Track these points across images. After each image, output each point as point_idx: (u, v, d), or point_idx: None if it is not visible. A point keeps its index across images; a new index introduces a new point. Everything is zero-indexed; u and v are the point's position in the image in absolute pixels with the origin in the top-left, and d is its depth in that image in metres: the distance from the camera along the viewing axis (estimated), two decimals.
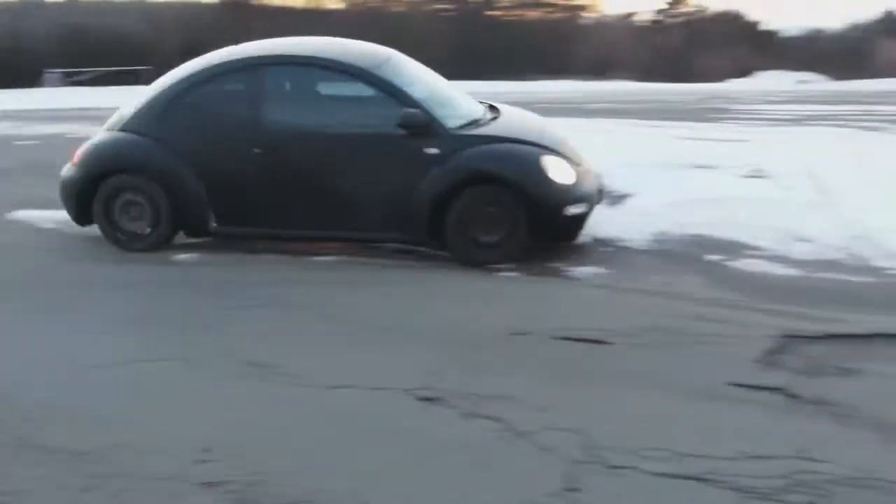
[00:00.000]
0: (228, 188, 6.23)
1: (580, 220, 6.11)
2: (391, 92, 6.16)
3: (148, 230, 6.37)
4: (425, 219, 5.98)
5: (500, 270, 5.80)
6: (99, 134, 6.66)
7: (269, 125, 6.22)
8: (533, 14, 73.93)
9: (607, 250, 6.31)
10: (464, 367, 4.13)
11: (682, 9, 73.49)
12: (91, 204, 6.40)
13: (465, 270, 5.84)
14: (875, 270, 5.85)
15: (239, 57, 6.55)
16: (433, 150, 5.98)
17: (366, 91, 6.23)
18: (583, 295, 5.32)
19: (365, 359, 4.28)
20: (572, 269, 5.81)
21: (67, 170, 6.61)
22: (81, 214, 6.52)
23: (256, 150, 6.16)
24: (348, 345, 4.50)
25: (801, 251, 6.23)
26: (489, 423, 3.51)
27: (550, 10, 74.53)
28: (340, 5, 60.67)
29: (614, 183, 8.47)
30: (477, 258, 5.94)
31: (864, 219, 6.93)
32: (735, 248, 6.32)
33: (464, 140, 6.09)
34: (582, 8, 75.21)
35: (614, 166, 9.17)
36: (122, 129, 6.48)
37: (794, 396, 3.81)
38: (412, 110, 6.01)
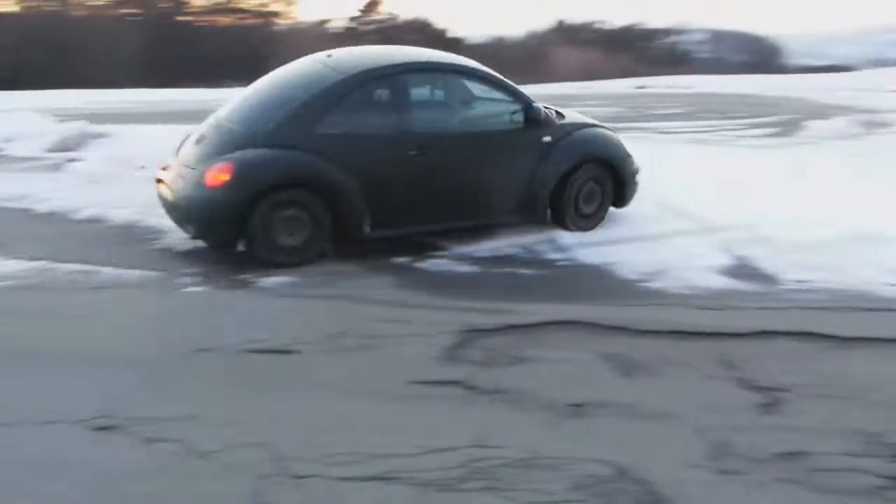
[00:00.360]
0: (384, 192, 6.29)
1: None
2: (512, 92, 6.93)
3: (304, 243, 6.11)
4: (547, 199, 6.87)
5: (186, 286, 5.60)
6: (237, 153, 6.09)
7: (419, 128, 6.49)
8: (225, 20, 72.33)
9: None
10: (145, 390, 3.94)
11: (375, 16, 75.37)
12: (245, 223, 5.95)
13: (146, 289, 5.58)
14: (547, 263, 6.29)
15: (382, 65, 6.66)
16: (548, 139, 6.87)
17: (493, 93, 6.93)
18: (271, 305, 5.26)
19: (33, 390, 3.95)
20: (261, 279, 5.73)
21: (209, 191, 5.99)
22: (232, 235, 6.05)
23: (412, 153, 6.35)
24: (11, 378, 4.13)
25: (483, 249, 6.57)
26: (170, 446, 3.37)
27: (243, 16, 73.50)
28: (12, 8, 56.07)
29: None
30: (582, 227, 7.00)
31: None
32: (422, 249, 6.53)
33: (565, 128, 7.07)
34: (275, 14, 74.85)
35: None
36: (268, 145, 6.11)
37: (472, 388, 4.01)
38: (535, 105, 6.83)
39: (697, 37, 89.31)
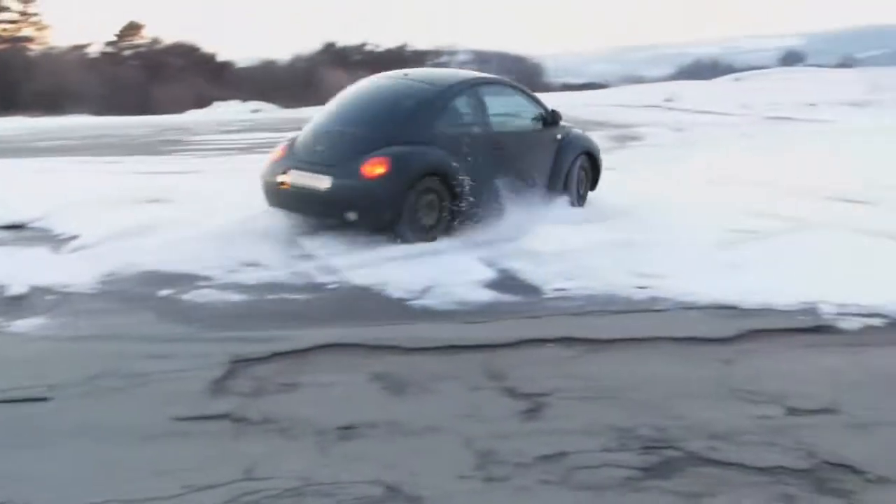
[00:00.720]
0: (476, 178, 7.72)
1: None
2: (537, 101, 9.09)
3: (436, 222, 7.56)
4: (562, 178, 8.89)
5: None
6: (388, 149, 7.40)
7: (495, 127, 8.36)
8: None
9: (50, 298, 5.90)
10: None
11: (137, 41, 72.53)
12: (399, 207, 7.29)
13: None
14: (318, 287, 6.25)
15: (463, 79, 8.59)
16: (559, 136, 9.04)
17: (527, 101, 9.00)
18: (22, 350, 4.90)
19: None
20: (8, 323, 5.34)
21: (368, 182, 7.24)
22: (390, 217, 7.29)
23: (496, 149, 8.16)
24: None
25: (250, 277, 6.44)
26: None
27: None
28: None
29: (58, 225, 8.05)
30: (580, 202, 9.23)
31: (305, 240, 7.40)
32: (186, 281, 6.32)
33: (565, 129, 9.22)
34: (28, 40, 70.47)
35: (60, 207, 8.72)
36: (400, 143, 7.51)
37: (241, 420, 3.90)
38: (552, 110, 9.07)
39: (463, 58, 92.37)
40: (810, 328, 5.29)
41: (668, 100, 37.42)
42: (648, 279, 6.21)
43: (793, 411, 3.97)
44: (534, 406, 4.05)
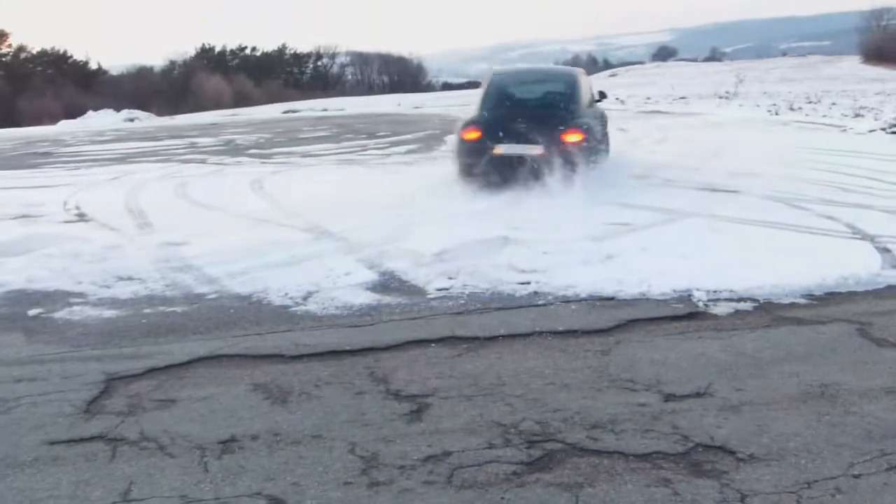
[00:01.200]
0: (601, 140, 11.11)
1: None
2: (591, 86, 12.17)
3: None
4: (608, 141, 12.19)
5: None
6: (576, 121, 10.41)
7: (598, 105, 12.46)
8: None
9: None
10: None
11: (3, 48, 69.50)
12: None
13: None
14: (197, 297, 6.11)
15: (574, 69, 12.74)
16: (601, 111, 12.36)
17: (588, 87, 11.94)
18: None
19: None
20: None
21: (570, 147, 9.80)
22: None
23: (601, 119, 12.34)
24: None
25: (125, 291, 6.25)
26: None
27: None
28: None
29: None
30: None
31: (182, 250, 7.24)
32: (58, 298, 6.11)
33: (598, 107, 12.40)
34: None
35: None
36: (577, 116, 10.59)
37: (116, 440, 3.78)
38: (600, 91, 12.88)
39: (343, 60, 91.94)
40: (684, 315, 5.45)
41: None
42: (529, 275, 6.30)
43: (668, 397, 4.09)
44: (417, 407, 4.05)
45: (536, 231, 7.60)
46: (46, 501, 3.25)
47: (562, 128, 9.95)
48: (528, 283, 6.16)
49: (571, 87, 11.02)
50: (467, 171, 10.21)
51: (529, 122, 9.95)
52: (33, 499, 3.28)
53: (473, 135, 10.25)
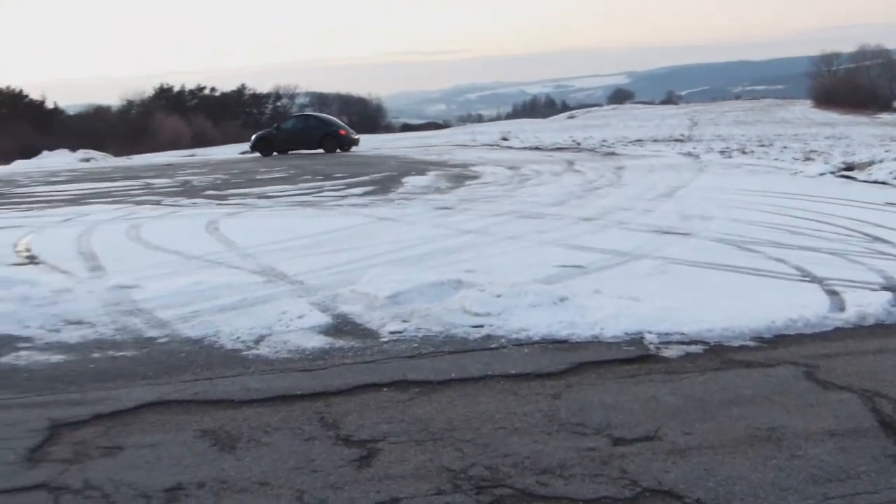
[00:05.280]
0: None
1: None
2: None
3: None
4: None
5: None
6: None
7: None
8: None
9: None
10: None
11: None
12: None
13: None
14: (147, 341, 6.03)
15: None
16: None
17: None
18: None
19: None
20: None
21: None
22: None
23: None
24: None
25: (74, 335, 6.17)
26: None
27: None
28: None
29: None
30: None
31: (134, 293, 7.17)
32: (5, 342, 5.99)
33: None
34: None
35: None
36: None
37: (60, 488, 3.71)
38: None
39: (302, 100, 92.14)
40: (635, 358, 5.50)
41: (504, 138, 38.47)
42: (482, 318, 6.31)
43: (617, 441, 4.11)
44: (367, 453, 4.03)
45: (490, 273, 7.64)
46: None
47: None
48: (482, 326, 6.18)
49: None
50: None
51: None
52: None
53: None
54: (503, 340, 5.91)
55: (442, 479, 3.72)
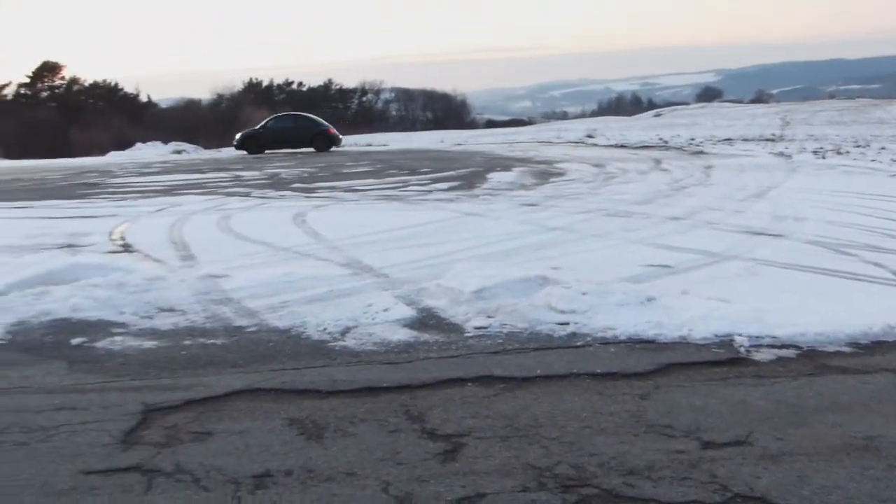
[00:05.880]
0: None
1: None
2: None
3: None
4: None
5: None
6: None
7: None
8: None
9: None
10: None
11: (54, 81, 71.19)
12: None
13: None
14: (236, 330, 6.15)
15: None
16: None
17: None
18: None
19: None
20: None
21: None
22: None
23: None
24: None
25: (166, 322, 6.32)
26: None
27: None
28: None
29: None
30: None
31: (223, 283, 7.31)
32: (101, 328, 6.18)
33: None
34: None
35: None
36: None
37: (152, 471, 3.80)
38: None
39: (388, 96, 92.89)
40: (725, 361, 5.37)
41: (590, 136, 38.14)
42: (568, 315, 6.25)
43: (706, 444, 4.02)
44: (452, 447, 4.02)
45: (575, 271, 7.56)
46: None
47: None
48: (567, 323, 6.13)
49: None
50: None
51: None
52: None
53: None
54: (589, 339, 5.84)
55: (527, 477, 3.69)
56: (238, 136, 34.43)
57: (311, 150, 33.01)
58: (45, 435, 4.23)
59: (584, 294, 6.58)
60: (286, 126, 34.29)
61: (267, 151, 33.06)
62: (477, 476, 3.71)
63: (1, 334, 6.06)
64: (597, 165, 21.40)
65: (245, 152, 33.12)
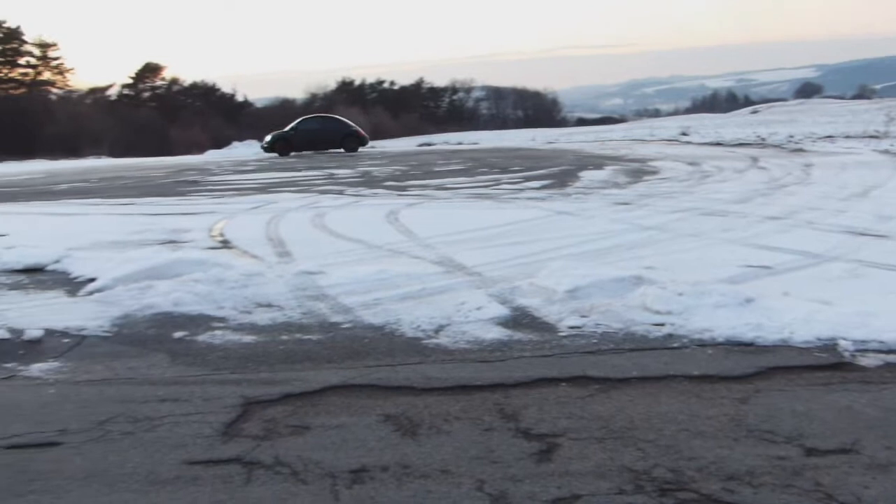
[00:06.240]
0: None
1: None
2: None
3: None
4: None
5: None
6: None
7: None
8: None
9: (65, 342, 5.94)
10: None
11: (155, 82, 73.46)
12: None
13: None
14: (332, 326, 6.24)
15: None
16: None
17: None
18: (35, 395, 4.91)
19: None
20: (24, 367, 5.36)
21: None
22: None
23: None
24: None
25: (264, 317, 6.45)
26: None
27: (11, 86, 69.81)
28: None
29: (74, 268, 8.11)
30: None
31: (319, 279, 7.42)
32: (201, 322, 6.35)
33: None
34: (48, 84, 71.62)
35: (75, 249, 8.78)
36: None
37: (251, 463, 3.88)
38: None
39: (478, 94, 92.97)
40: (828, 365, 5.21)
41: (684, 133, 37.48)
42: (663, 316, 6.16)
43: (810, 451, 3.90)
44: (546, 447, 4.00)
45: (670, 271, 7.44)
46: None
47: None
48: (663, 324, 6.03)
49: None
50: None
51: None
52: None
53: None
54: (685, 340, 5.74)
55: (623, 479, 3.65)
56: (268, 137, 34.48)
57: (341, 150, 33.61)
58: (150, 425, 4.36)
59: (680, 295, 6.46)
60: (316, 128, 34.63)
61: (292, 154, 33.33)
62: (572, 477, 3.68)
63: (107, 327, 6.28)
64: (691, 163, 21.01)
65: (276, 154, 33.20)
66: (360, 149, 34.18)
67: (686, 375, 5.02)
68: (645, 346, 5.66)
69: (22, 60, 70.53)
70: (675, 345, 5.66)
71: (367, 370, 5.21)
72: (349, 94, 78.85)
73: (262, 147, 34.81)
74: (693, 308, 6.27)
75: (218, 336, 6.05)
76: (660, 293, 6.48)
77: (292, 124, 35.51)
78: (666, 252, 8.70)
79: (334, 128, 34.91)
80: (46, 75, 71.55)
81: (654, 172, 18.83)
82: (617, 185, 16.07)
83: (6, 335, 6.03)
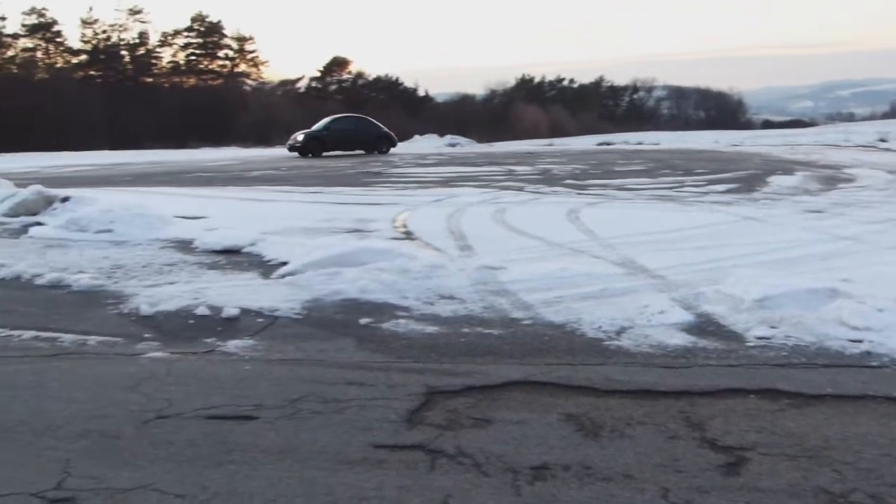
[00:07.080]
0: None
1: None
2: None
3: None
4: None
5: (146, 352, 5.53)
6: None
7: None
8: (191, 81, 72.86)
9: (259, 321, 6.25)
10: (101, 460, 3.85)
11: (342, 75, 76.06)
12: None
13: (105, 356, 5.50)
14: (513, 322, 6.27)
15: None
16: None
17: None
18: (233, 370, 5.19)
19: None
20: (222, 343, 5.67)
21: None
22: None
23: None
24: None
25: (446, 309, 6.56)
26: None
27: (211, 77, 74.04)
28: None
29: (267, 251, 8.50)
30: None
31: (500, 274, 7.47)
32: (386, 310, 6.52)
33: None
34: (244, 75, 75.50)
35: (268, 234, 9.21)
36: None
37: (435, 452, 3.95)
38: None
39: (659, 94, 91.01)
40: None
41: (882, 140, 35.38)
42: (861, 332, 5.82)
43: None
44: (735, 460, 3.87)
45: (869, 285, 7.02)
46: (373, 501, 3.45)
47: None
48: (860, 341, 5.71)
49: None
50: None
51: None
52: (361, 496, 3.50)
53: None
54: (885, 359, 5.41)
55: (818, 501, 3.48)
56: (299, 136, 33.73)
57: (374, 151, 33.81)
58: (338, 407, 4.52)
59: (880, 311, 6.10)
60: (349, 128, 34.38)
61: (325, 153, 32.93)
62: (762, 493, 3.54)
63: (298, 309, 6.56)
64: (891, 172, 19.81)
65: (310, 154, 32.52)
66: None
67: (887, 397, 4.73)
68: (840, 362, 5.38)
69: (221, 53, 74.74)
70: (875, 363, 5.35)
71: (547, 368, 5.20)
72: (528, 91, 78.96)
73: (291, 146, 33.91)
74: (894, 325, 5.90)
75: (402, 325, 6.19)
76: (857, 307, 6.14)
77: (323, 123, 34.92)
78: (863, 264, 8.23)
79: (368, 129, 34.94)
80: (242, 67, 75.52)
81: (849, 180, 17.87)
82: (808, 192, 15.35)
83: (206, 311, 6.40)
